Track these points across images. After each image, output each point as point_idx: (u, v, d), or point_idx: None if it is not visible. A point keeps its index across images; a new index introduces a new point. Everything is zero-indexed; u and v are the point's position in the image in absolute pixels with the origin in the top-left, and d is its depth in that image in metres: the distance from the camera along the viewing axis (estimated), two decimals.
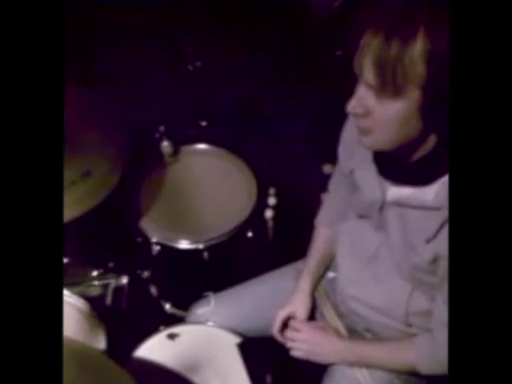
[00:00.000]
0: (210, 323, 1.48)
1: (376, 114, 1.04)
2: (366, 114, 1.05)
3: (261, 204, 1.78)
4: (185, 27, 2.65)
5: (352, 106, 1.07)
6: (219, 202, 1.78)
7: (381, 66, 0.97)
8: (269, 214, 1.79)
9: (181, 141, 1.91)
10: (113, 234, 1.80)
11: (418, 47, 0.94)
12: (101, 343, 1.45)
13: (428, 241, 1.10)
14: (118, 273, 1.67)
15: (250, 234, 1.76)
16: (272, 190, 1.81)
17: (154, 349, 1.41)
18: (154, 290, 1.80)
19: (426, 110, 0.99)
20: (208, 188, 1.82)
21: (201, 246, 1.66)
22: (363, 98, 1.05)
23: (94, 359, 1.15)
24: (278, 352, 1.44)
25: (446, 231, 1.07)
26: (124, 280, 1.65)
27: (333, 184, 1.53)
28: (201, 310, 1.52)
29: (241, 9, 2.73)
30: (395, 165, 1.16)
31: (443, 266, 1.10)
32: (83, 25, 2.41)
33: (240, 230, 1.72)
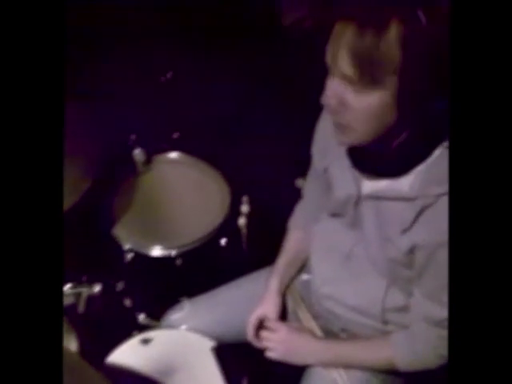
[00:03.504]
0: (183, 327, 1.46)
1: (353, 107, 1.01)
2: (342, 106, 1.03)
3: (234, 212, 1.78)
4: (159, 39, 2.67)
5: (326, 97, 1.04)
6: (192, 209, 1.78)
7: (357, 56, 0.95)
8: (242, 221, 1.79)
9: (154, 151, 1.91)
10: (85, 242, 1.78)
11: (392, 33, 0.92)
12: (72, 347, 1.41)
13: (404, 231, 1.09)
14: (91, 282, 1.64)
15: (223, 242, 1.75)
16: (245, 198, 1.81)
17: (128, 354, 1.39)
18: (127, 299, 1.77)
19: (402, 98, 0.98)
20: (181, 196, 1.82)
21: (173, 253, 1.65)
22: (337, 90, 1.02)
23: (67, 359, 1.12)
24: (254, 355, 1.42)
25: (422, 220, 1.07)
26: (96, 288, 1.62)
27: (306, 187, 1.53)
28: (175, 315, 1.50)
29: (219, 24, 2.76)
30: (369, 157, 1.15)
31: (420, 256, 1.10)
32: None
33: (213, 238, 1.71)
